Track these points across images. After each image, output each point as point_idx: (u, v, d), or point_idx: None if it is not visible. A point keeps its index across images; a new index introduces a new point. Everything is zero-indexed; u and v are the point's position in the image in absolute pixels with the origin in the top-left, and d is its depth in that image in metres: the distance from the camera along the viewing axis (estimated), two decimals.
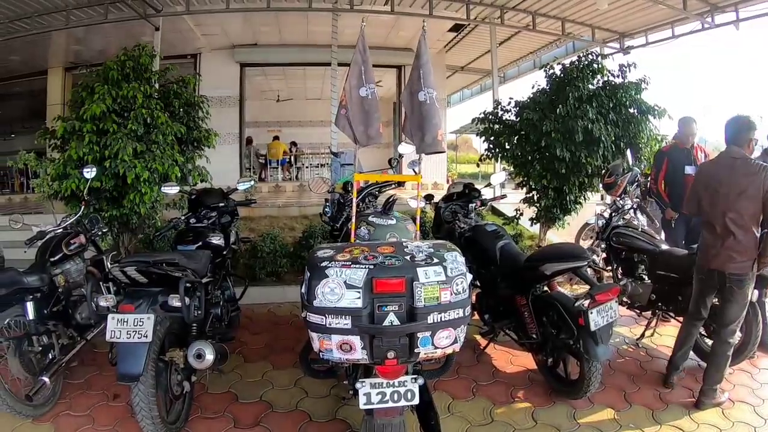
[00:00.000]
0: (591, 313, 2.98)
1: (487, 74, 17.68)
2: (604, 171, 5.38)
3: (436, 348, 2.17)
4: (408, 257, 2.22)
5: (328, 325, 2.10)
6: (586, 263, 3.29)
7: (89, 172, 4.09)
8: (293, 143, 16.09)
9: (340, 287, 2.10)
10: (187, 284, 2.74)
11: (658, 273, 4.15)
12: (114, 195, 4.86)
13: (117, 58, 5.08)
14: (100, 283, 3.58)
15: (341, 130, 3.37)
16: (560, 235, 8.14)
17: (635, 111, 6.09)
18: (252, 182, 4.31)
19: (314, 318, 2.12)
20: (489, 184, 4.84)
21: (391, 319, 2.09)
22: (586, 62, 6.17)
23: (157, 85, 5.28)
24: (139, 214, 4.98)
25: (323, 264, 2.17)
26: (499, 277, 3.72)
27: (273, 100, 16.92)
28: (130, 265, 2.61)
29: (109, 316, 2.59)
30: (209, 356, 2.70)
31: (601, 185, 5.56)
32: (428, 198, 4.53)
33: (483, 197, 4.57)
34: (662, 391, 3.50)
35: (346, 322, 2.08)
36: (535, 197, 6.64)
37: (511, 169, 6.85)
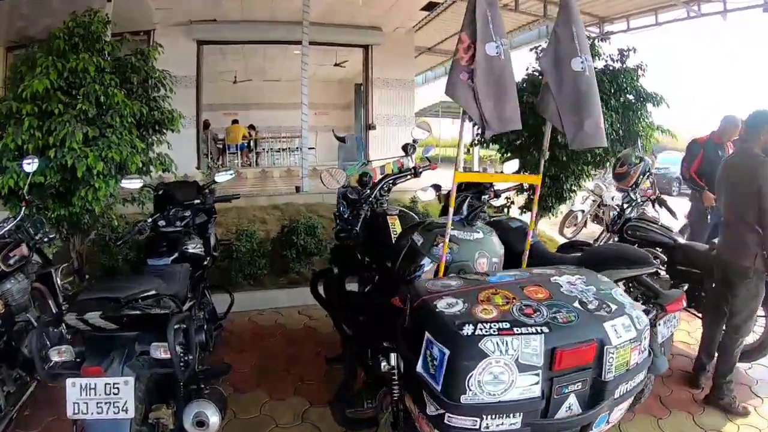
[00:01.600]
0: (659, 324, 2.65)
1: (453, 56, 17.26)
2: (615, 160, 5.07)
3: (608, 423, 1.64)
4: (576, 303, 1.61)
5: (483, 430, 1.47)
6: (654, 269, 2.89)
7: (30, 165, 3.24)
8: (252, 126, 15.17)
9: (509, 371, 1.45)
10: (177, 324, 2.00)
11: (677, 268, 3.97)
12: (61, 191, 4.00)
13: (64, 25, 4.19)
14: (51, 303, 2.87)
15: (462, 104, 2.13)
16: (545, 224, 7.90)
17: (632, 98, 5.79)
18: (233, 173, 3.65)
19: (460, 421, 1.47)
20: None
21: (570, 404, 1.52)
22: (591, 42, 5.77)
23: (110, 59, 4.45)
24: (93, 213, 4.19)
25: (470, 332, 1.48)
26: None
27: (230, 81, 15.87)
28: (92, 309, 1.88)
29: (68, 381, 1.83)
30: (213, 419, 1.99)
31: (610, 175, 5.26)
32: (436, 188, 3.98)
33: (496, 188, 4.10)
34: (694, 392, 3.36)
35: (513, 422, 1.48)
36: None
37: (498, 155, 6.46)
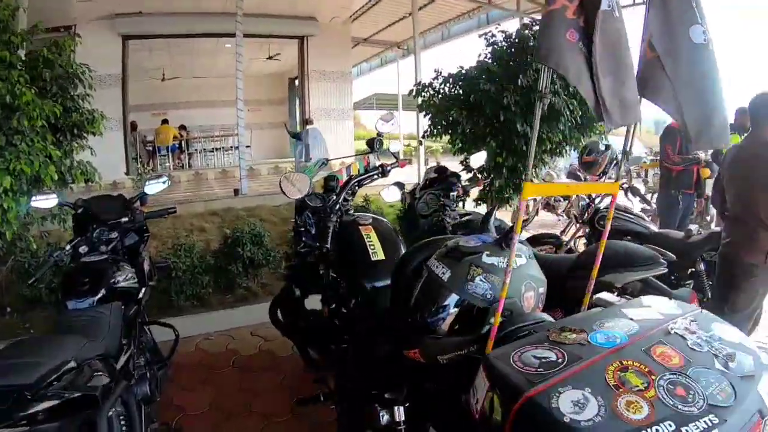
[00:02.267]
0: None
1: (389, 47, 17.01)
2: (582, 148, 4.90)
3: None
4: (717, 364, 1.16)
5: None
6: (665, 269, 2.62)
7: None
8: (182, 127, 14.21)
9: None
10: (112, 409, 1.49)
11: None
12: None
13: None
14: None
15: (570, 77, 1.43)
16: (501, 215, 7.71)
17: None
18: (166, 181, 3.07)
19: None
20: (467, 167, 3.99)
21: None
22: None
23: (22, 53, 3.70)
24: (4, 239, 3.50)
25: None
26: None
27: (158, 79, 14.77)
28: None
29: None
30: None
31: (578, 164, 5.09)
32: (400, 186, 3.56)
33: (465, 184, 3.76)
34: None
35: None
36: (481, 176, 5.97)
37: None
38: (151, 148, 13.05)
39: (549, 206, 8.73)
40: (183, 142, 13.74)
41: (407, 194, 3.63)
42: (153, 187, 2.98)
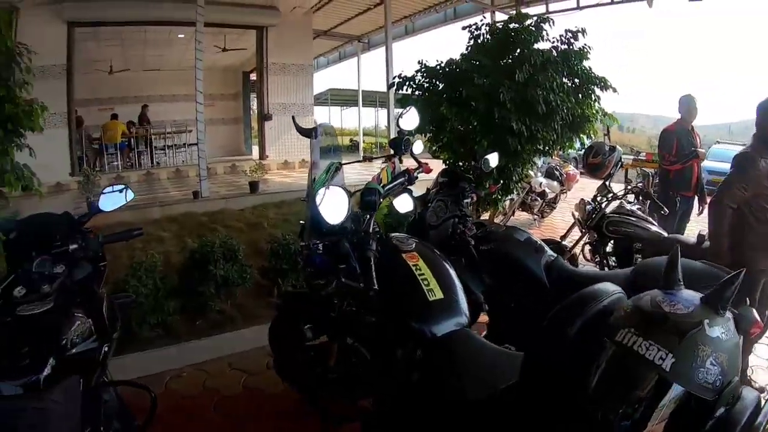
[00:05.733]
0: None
1: (349, 40, 16.47)
2: (587, 150, 4.62)
3: None
4: None
5: None
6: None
7: None
8: (131, 123, 13.17)
9: None
10: None
11: None
12: None
13: None
14: None
15: None
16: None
17: (578, 81, 5.35)
18: (126, 191, 2.34)
19: None
20: (479, 168, 3.50)
21: None
22: (537, 21, 5.27)
23: None
24: None
25: None
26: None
27: (105, 71, 13.63)
28: None
29: None
30: None
31: (582, 166, 4.82)
32: (411, 193, 3.06)
33: (479, 190, 3.33)
34: None
35: None
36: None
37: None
38: (97, 146, 11.97)
39: (525, 206, 8.53)
40: (132, 140, 12.71)
41: (418, 202, 3.12)
42: (110, 200, 2.30)
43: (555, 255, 2.80)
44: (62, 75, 9.61)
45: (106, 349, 1.90)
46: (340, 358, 2.29)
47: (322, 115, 27.43)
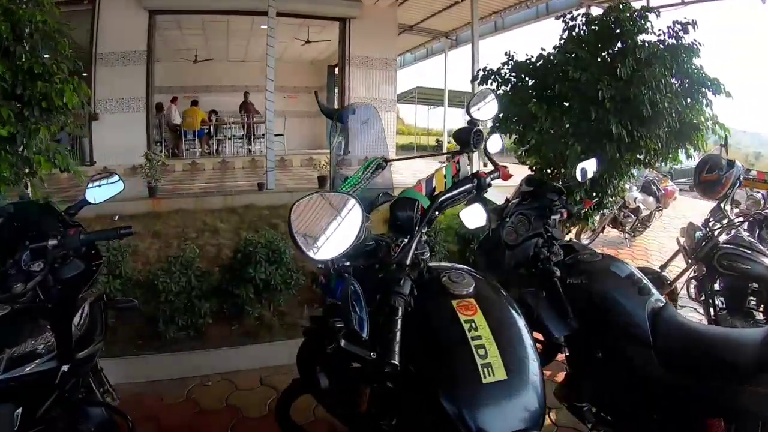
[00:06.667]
0: None
1: (436, 36, 15.96)
2: (699, 163, 3.82)
3: None
4: None
5: None
6: None
7: None
8: (213, 111, 13.44)
9: None
10: None
11: None
12: None
13: None
14: None
15: None
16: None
17: (687, 82, 4.49)
18: (118, 183, 2.05)
19: None
20: (573, 178, 2.83)
21: None
22: (642, 11, 4.51)
23: None
24: None
25: None
26: (663, 377, 1.85)
27: (190, 60, 14.04)
28: None
29: None
30: None
31: (693, 184, 4.01)
32: (485, 203, 2.35)
33: (570, 205, 2.67)
34: None
35: None
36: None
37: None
38: (178, 132, 12.28)
39: (616, 222, 7.60)
40: (212, 128, 12.95)
41: (492, 214, 2.45)
42: (99, 192, 1.99)
43: (664, 301, 2.11)
44: (142, 61, 9.85)
45: (66, 369, 1.52)
46: (373, 402, 1.76)
47: (408, 113, 27.22)
